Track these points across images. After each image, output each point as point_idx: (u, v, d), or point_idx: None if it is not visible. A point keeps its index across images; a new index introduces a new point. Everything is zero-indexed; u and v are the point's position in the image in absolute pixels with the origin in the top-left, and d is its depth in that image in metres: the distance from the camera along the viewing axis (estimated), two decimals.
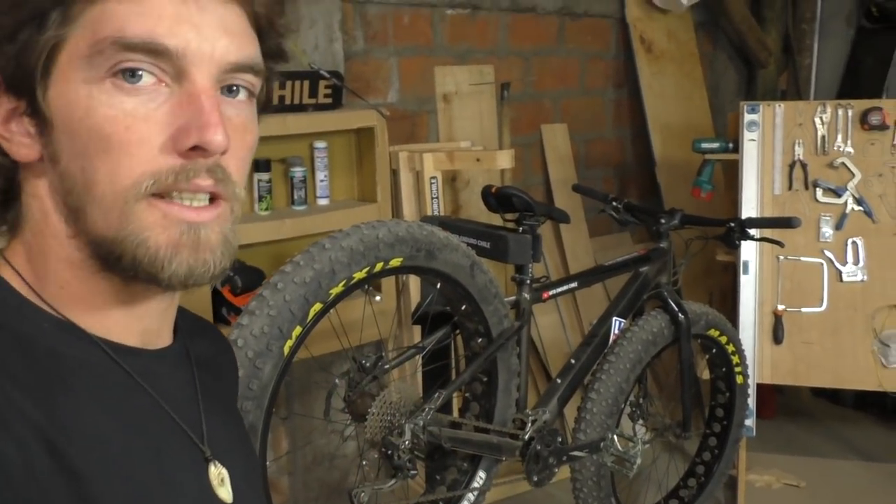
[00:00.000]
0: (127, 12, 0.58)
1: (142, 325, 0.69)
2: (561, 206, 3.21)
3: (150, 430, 0.67)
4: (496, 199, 1.80)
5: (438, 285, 1.63)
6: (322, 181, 2.50)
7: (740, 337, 2.51)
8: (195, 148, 0.60)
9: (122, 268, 0.62)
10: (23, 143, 0.62)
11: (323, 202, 2.51)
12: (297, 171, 2.42)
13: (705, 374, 2.44)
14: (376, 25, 2.72)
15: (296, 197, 2.42)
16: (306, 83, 2.36)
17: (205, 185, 0.62)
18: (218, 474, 0.73)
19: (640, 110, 3.41)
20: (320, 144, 2.47)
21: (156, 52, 0.59)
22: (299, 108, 2.35)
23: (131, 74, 0.59)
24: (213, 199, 0.64)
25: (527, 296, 1.81)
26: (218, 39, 0.62)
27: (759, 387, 2.76)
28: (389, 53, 2.78)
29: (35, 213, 0.65)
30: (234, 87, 0.65)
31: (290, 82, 2.29)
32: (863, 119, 2.49)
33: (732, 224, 2.01)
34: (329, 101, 2.47)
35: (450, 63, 2.93)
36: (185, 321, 0.78)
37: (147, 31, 0.58)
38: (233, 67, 0.63)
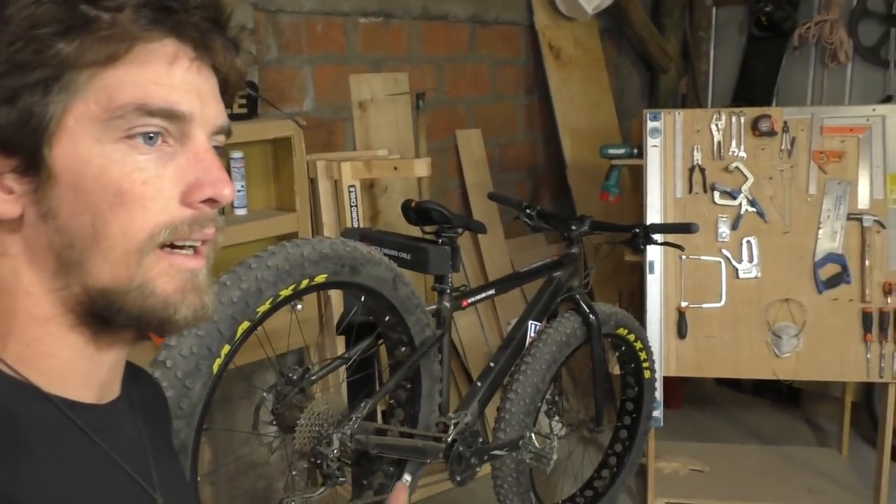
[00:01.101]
0: (144, 81, 0.63)
1: (100, 378, 0.71)
2: (477, 209, 3.30)
3: (104, 485, 0.68)
4: (416, 212, 1.86)
5: (363, 298, 1.68)
6: (239, 191, 2.50)
7: (648, 333, 2.65)
8: (206, 200, 0.66)
9: (120, 317, 0.65)
10: (6, 200, 0.63)
11: (240, 212, 2.51)
12: None
13: (616, 370, 2.57)
14: (289, 34, 2.74)
15: (228, 203, 2.42)
16: None
17: (210, 233, 0.68)
18: None
19: (551, 115, 3.53)
20: (236, 154, 2.47)
21: (172, 116, 0.64)
22: None
23: (149, 137, 0.64)
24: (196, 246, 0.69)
25: (447, 304, 1.88)
26: (212, 105, 0.68)
27: (667, 379, 2.92)
28: (303, 62, 2.79)
29: (5, 272, 0.65)
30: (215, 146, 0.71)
31: None
32: (754, 126, 2.66)
33: (637, 230, 2.13)
34: (244, 111, 2.47)
35: (364, 71, 2.97)
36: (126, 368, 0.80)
37: (166, 99, 0.63)
38: (218, 130, 0.70)
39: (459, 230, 1.86)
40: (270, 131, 2.50)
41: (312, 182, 2.69)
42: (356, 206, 2.66)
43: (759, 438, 3.35)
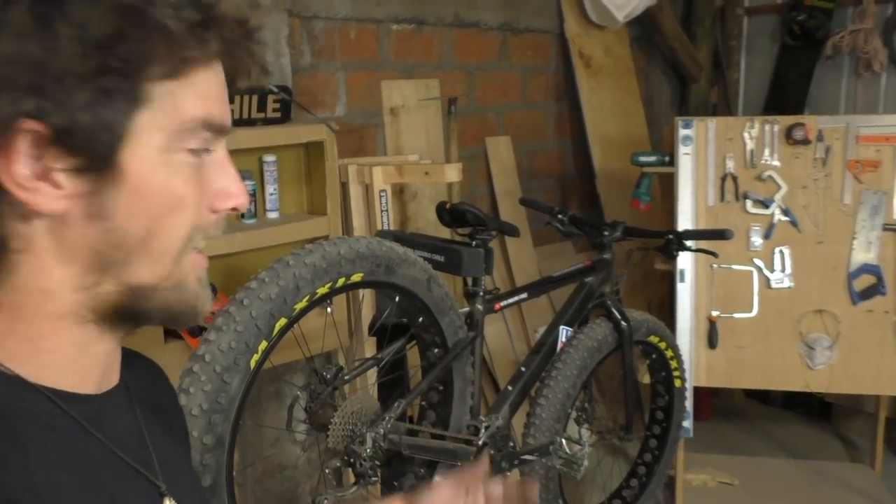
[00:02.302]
0: (207, 96, 0.66)
1: (99, 369, 0.71)
2: (506, 216, 3.30)
3: (103, 475, 0.67)
4: (450, 214, 1.86)
5: (397, 299, 1.68)
6: (272, 195, 2.52)
7: (678, 342, 2.63)
8: (232, 209, 0.71)
9: (146, 315, 0.69)
10: (52, 195, 0.61)
11: (273, 215, 2.53)
12: (247, 185, 2.42)
13: (646, 379, 2.55)
14: (323, 40, 2.76)
15: (245, 211, 2.44)
16: (255, 98, 2.39)
17: (218, 234, 0.72)
18: None
19: (580, 123, 3.53)
20: (269, 158, 2.49)
21: (223, 132, 0.69)
22: (248, 122, 2.37)
23: (206, 151, 0.68)
24: None
25: (480, 307, 1.88)
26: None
27: (695, 389, 2.89)
28: (336, 68, 2.82)
29: (23, 268, 0.64)
30: None
31: (239, 97, 2.31)
32: (788, 134, 2.64)
33: (671, 236, 2.12)
34: (278, 115, 2.49)
35: (396, 77, 2.99)
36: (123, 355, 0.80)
37: (221, 117, 0.68)
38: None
39: (493, 233, 1.86)
40: (303, 135, 2.52)
41: (344, 186, 2.71)
42: (387, 210, 2.67)
43: (789, 453, 3.30)
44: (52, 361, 0.66)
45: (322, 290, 1.48)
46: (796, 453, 3.28)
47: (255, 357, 1.39)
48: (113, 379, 0.74)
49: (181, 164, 0.65)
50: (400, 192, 3.00)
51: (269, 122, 2.44)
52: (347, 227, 2.73)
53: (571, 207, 3.71)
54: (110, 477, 0.68)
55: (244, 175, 2.43)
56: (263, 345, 1.40)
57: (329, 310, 2.53)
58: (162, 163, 0.64)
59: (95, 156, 0.61)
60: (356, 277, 1.53)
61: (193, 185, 0.66)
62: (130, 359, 0.81)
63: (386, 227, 2.65)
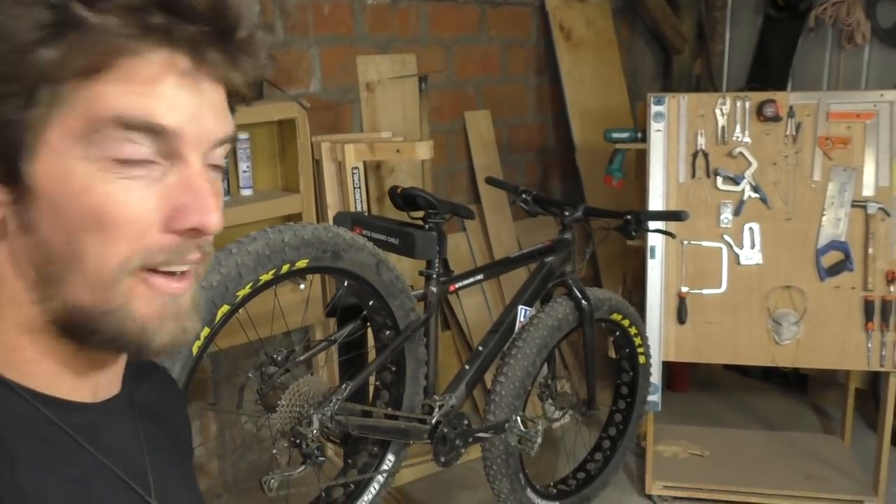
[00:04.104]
0: (125, 93, 0.58)
1: (91, 382, 0.69)
2: (485, 191, 3.32)
3: (92, 486, 0.66)
4: (402, 198, 1.88)
5: (346, 283, 1.71)
6: (245, 172, 2.55)
7: (647, 318, 2.67)
8: (190, 228, 0.62)
9: (94, 339, 0.63)
10: None
11: (246, 192, 2.56)
12: None
13: (612, 354, 2.58)
14: (296, 15, 2.76)
15: (214, 232, 2.46)
16: None
17: (194, 259, 0.65)
18: None
19: (561, 96, 3.52)
20: (242, 136, 2.51)
21: (153, 131, 0.59)
22: None
23: (150, 164, 0.61)
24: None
25: (434, 289, 1.91)
26: (208, 119, 0.63)
27: (673, 363, 2.93)
28: (310, 43, 2.82)
29: None
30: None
31: None
32: (759, 111, 2.63)
33: (629, 216, 2.13)
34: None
35: (372, 52, 2.98)
36: (130, 364, 0.76)
37: (146, 112, 0.59)
38: (217, 144, 0.65)
39: (446, 216, 1.88)
40: (275, 113, 2.53)
41: (317, 163, 2.73)
42: (360, 187, 2.69)
43: (764, 424, 3.34)
44: (39, 371, 0.64)
45: (266, 277, 1.51)
46: (771, 424, 3.33)
47: (197, 343, 1.43)
48: (113, 388, 0.72)
49: (105, 176, 0.59)
50: (377, 168, 3.02)
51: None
52: (321, 205, 2.76)
53: (552, 182, 3.72)
54: (99, 488, 0.66)
55: None
56: (206, 331, 1.44)
57: (302, 286, 2.59)
58: (80, 173, 0.59)
59: (4, 165, 0.59)
60: (301, 264, 1.56)
61: (134, 202, 0.60)
62: (143, 368, 0.78)
63: (359, 205, 2.68)
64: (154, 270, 0.62)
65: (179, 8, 0.58)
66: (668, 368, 3.35)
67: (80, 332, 0.63)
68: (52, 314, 0.63)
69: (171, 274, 0.63)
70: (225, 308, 1.46)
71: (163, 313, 0.63)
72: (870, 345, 2.59)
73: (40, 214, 0.60)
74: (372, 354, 1.94)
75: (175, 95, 0.60)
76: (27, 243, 0.61)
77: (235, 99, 0.68)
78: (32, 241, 0.61)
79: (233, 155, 2.51)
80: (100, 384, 0.70)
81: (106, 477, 0.67)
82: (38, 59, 0.56)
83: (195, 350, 1.42)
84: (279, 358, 1.67)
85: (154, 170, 0.61)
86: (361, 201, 2.71)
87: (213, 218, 0.62)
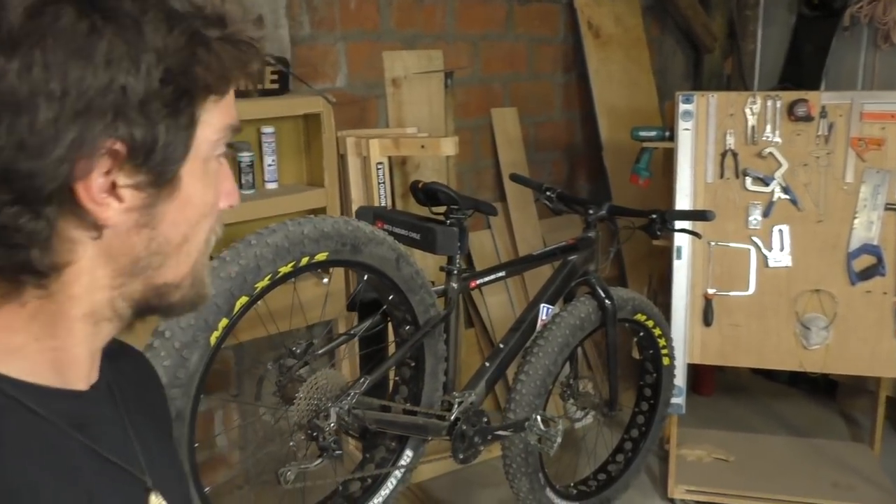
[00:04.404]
0: (230, 106, 0.70)
1: (89, 366, 0.71)
2: (510, 189, 3.30)
3: (83, 473, 0.67)
4: (424, 193, 1.87)
5: (365, 276, 1.70)
6: (270, 166, 2.55)
7: (673, 319, 2.63)
8: (230, 206, 0.75)
9: (169, 307, 0.73)
10: (116, 209, 0.64)
11: (271, 186, 2.57)
12: (245, 157, 2.47)
13: (636, 355, 2.55)
14: (323, 11, 2.76)
15: (244, 181, 2.47)
16: None
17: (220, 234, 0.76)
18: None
19: (589, 94, 3.48)
20: (268, 130, 2.52)
21: (237, 131, 0.72)
22: (245, 93, 2.38)
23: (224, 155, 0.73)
24: None
25: (454, 285, 1.89)
26: None
27: (699, 365, 2.88)
28: (336, 39, 2.82)
29: (62, 277, 0.65)
30: None
31: None
32: (790, 110, 2.58)
33: (654, 216, 2.10)
34: (276, 86, 2.51)
35: (398, 48, 2.98)
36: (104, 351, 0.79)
37: (237, 117, 0.71)
38: None
39: (469, 211, 1.87)
40: (300, 107, 2.54)
41: (342, 158, 2.73)
42: (384, 182, 2.68)
43: (790, 430, 3.28)
44: (44, 359, 0.66)
45: (285, 269, 1.51)
46: (797, 430, 3.27)
47: (216, 334, 1.43)
48: (94, 376, 0.74)
49: (213, 172, 0.70)
50: (402, 163, 3.01)
51: (266, 93, 2.47)
52: (346, 199, 2.76)
53: (579, 180, 3.69)
54: (90, 474, 0.67)
55: (241, 146, 2.47)
56: (224, 322, 1.44)
57: (325, 280, 2.59)
58: (203, 173, 0.69)
59: (164, 172, 0.65)
60: (321, 256, 1.56)
61: (215, 189, 0.71)
62: (113, 350, 0.80)
63: (383, 200, 2.68)
64: None
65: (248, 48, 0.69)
66: (694, 371, 3.30)
67: (153, 304, 0.71)
68: (123, 297, 0.68)
69: None
70: (243, 299, 1.46)
71: (206, 268, 0.75)
72: None
73: (167, 212, 0.67)
74: (392, 349, 1.93)
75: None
76: (139, 238, 0.66)
77: None
78: (148, 235, 0.66)
79: (258, 149, 2.52)
80: (85, 372, 0.72)
81: (96, 463, 0.69)
82: (195, 76, 0.65)
83: (213, 340, 1.42)
84: (298, 350, 1.67)
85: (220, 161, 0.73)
86: (386, 196, 2.70)
87: (239, 198, 0.75)
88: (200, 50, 0.63)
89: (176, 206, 0.67)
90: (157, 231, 0.66)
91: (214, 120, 0.67)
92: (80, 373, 0.70)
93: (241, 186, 2.47)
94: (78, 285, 0.65)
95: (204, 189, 0.69)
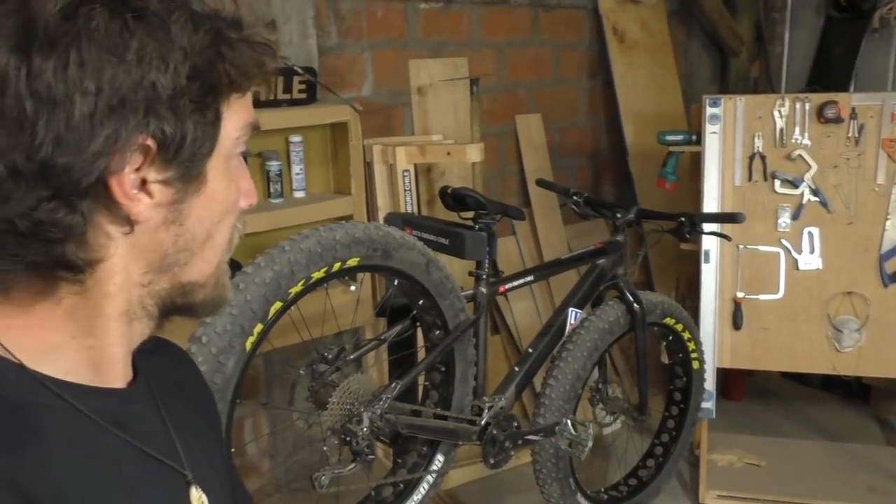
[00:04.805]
0: (248, 108, 0.72)
1: (124, 364, 0.72)
2: (535, 195, 3.30)
3: (124, 468, 0.68)
4: (452, 198, 1.88)
5: (396, 282, 1.72)
6: (298, 174, 2.58)
7: (702, 323, 2.62)
8: (249, 206, 0.76)
9: (193, 307, 0.74)
10: (146, 204, 0.65)
11: (299, 195, 2.60)
12: (273, 165, 2.49)
13: (665, 360, 2.54)
14: (350, 20, 2.79)
15: (272, 190, 2.50)
16: (280, 79, 2.43)
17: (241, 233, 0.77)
18: (199, 498, 0.75)
19: (614, 99, 3.48)
20: (296, 139, 2.55)
21: (256, 129, 0.74)
22: (274, 103, 2.42)
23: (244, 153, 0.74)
24: None
25: (483, 290, 1.90)
26: None
27: (729, 370, 2.86)
28: (363, 48, 2.84)
29: (95, 274, 0.66)
30: None
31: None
32: (819, 112, 2.57)
33: (683, 218, 2.10)
34: (303, 96, 2.54)
35: (424, 56, 3.00)
36: (139, 349, 0.79)
37: (256, 116, 0.73)
38: None
39: (497, 216, 1.88)
40: (328, 116, 2.56)
41: (369, 166, 2.75)
42: (410, 190, 2.70)
43: (823, 435, 3.25)
44: (82, 358, 0.67)
45: (317, 275, 1.53)
46: (830, 435, 3.23)
47: (251, 339, 1.45)
48: (128, 374, 0.75)
49: (235, 169, 0.72)
50: (428, 171, 3.03)
51: (294, 102, 2.50)
52: (372, 207, 2.78)
53: (604, 185, 3.69)
54: (131, 470, 0.69)
55: (270, 155, 2.51)
56: (259, 327, 1.46)
57: (353, 287, 2.61)
58: (226, 170, 0.71)
59: (191, 168, 0.67)
60: (352, 262, 1.58)
61: (236, 186, 0.73)
62: (152, 346, 0.80)
63: (409, 207, 2.69)
64: None
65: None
66: (723, 376, 3.28)
67: (177, 307, 0.72)
68: (152, 296, 0.70)
69: None
70: (278, 304, 1.48)
71: (227, 271, 0.76)
72: None
73: (192, 208, 0.68)
74: (421, 355, 1.95)
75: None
76: (166, 234, 0.68)
77: None
78: (175, 231, 0.68)
79: (286, 158, 2.55)
80: (120, 370, 0.73)
81: (136, 458, 0.70)
82: (218, 75, 0.67)
83: (248, 346, 1.45)
84: (330, 356, 1.69)
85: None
86: (412, 204, 2.72)
87: (256, 198, 0.76)
88: (224, 48, 0.65)
89: (202, 203, 0.68)
90: (183, 227, 0.68)
91: (236, 117, 0.70)
92: (117, 371, 0.71)
93: (269, 195, 2.50)
94: (111, 283, 0.66)
95: (227, 186, 0.71)
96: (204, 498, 0.76)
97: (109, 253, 0.65)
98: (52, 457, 0.63)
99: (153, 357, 0.81)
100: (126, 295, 0.68)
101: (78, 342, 0.67)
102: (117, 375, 0.71)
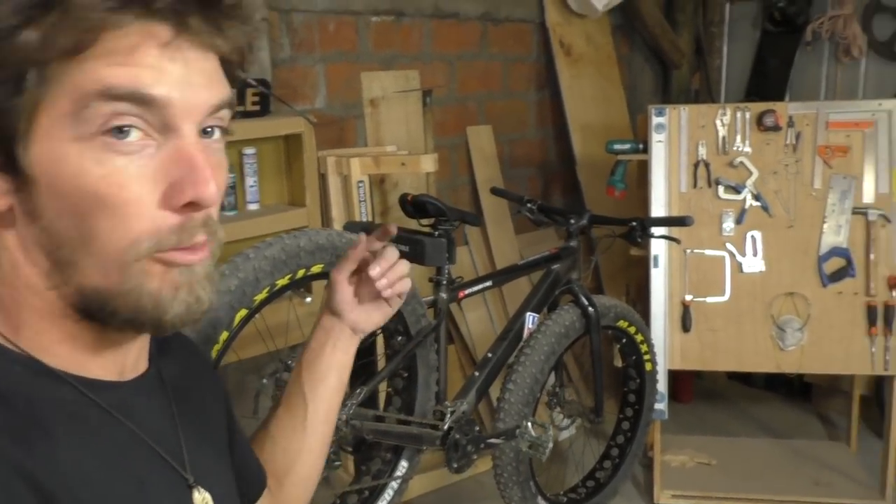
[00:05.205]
0: (110, 64, 0.58)
1: (119, 361, 0.70)
2: (487, 205, 3.35)
3: (131, 462, 0.67)
4: (412, 206, 1.91)
5: None
6: (251, 186, 2.58)
7: (652, 326, 2.69)
8: (189, 203, 0.61)
9: (114, 318, 0.64)
10: None
11: (253, 207, 2.59)
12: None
13: (619, 363, 2.60)
14: (302, 33, 2.81)
15: (225, 203, 2.49)
16: (233, 91, 2.43)
17: (202, 240, 0.64)
18: (202, 500, 0.73)
19: (562, 111, 3.56)
20: (249, 151, 2.54)
21: (142, 101, 0.59)
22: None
23: (119, 131, 0.59)
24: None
25: (444, 295, 1.93)
26: (201, 89, 0.62)
27: (678, 373, 2.94)
28: (316, 60, 2.86)
29: (3, 265, 0.63)
30: (209, 129, 0.66)
31: None
32: (759, 121, 2.67)
33: (634, 223, 2.17)
34: (257, 108, 2.55)
35: (376, 69, 3.03)
36: (154, 340, 0.77)
37: (132, 81, 0.58)
38: (213, 110, 0.64)
39: (455, 223, 1.91)
40: (282, 128, 2.57)
41: (323, 178, 2.76)
42: (365, 200, 2.72)
43: (769, 432, 3.36)
44: (68, 353, 0.65)
45: (282, 282, 1.54)
46: (776, 433, 3.34)
47: (217, 347, 1.45)
48: (140, 367, 0.73)
49: (100, 156, 0.59)
50: (381, 182, 3.05)
51: (248, 115, 2.49)
52: (327, 218, 2.79)
53: (554, 195, 3.76)
54: (139, 463, 0.68)
55: None
56: (224, 335, 1.46)
57: (308, 299, 2.61)
58: (75, 154, 0.59)
59: (4, 153, 0.59)
60: (316, 268, 1.59)
61: (132, 182, 0.60)
62: (165, 341, 0.78)
63: (364, 218, 2.71)
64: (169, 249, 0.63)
65: None
66: (673, 379, 3.36)
67: (100, 314, 0.63)
68: (69, 299, 0.63)
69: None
70: (243, 312, 1.48)
71: (177, 283, 0.63)
72: (873, 349, 2.61)
73: (43, 200, 0.60)
74: (381, 363, 1.96)
75: (159, 65, 0.60)
76: (35, 230, 0.61)
77: (229, 65, 0.67)
78: (40, 227, 0.61)
79: (239, 170, 2.54)
80: (127, 363, 0.70)
81: (142, 452, 0.69)
82: (22, 42, 0.56)
83: (214, 353, 1.44)
84: (293, 364, 1.69)
85: (149, 146, 0.61)
86: (367, 214, 2.73)
87: (208, 189, 0.61)
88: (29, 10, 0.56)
89: (47, 195, 0.60)
90: (44, 221, 0.61)
91: (73, 87, 0.58)
92: (115, 365, 0.69)
93: (222, 208, 2.48)
94: (23, 276, 0.63)
95: (81, 178, 0.59)
96: (208, 498, 0.74)
97: (4, 242, 0.63)
98: (61, 447, 0.62)
99: (169, 354, 0.79)
100: (45, 293, 0.63)
101: (45, 336, 0.65)
102: (106, 369, 0.68)
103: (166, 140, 0.61)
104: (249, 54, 0.69)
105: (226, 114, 0.67)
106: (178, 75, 0.61)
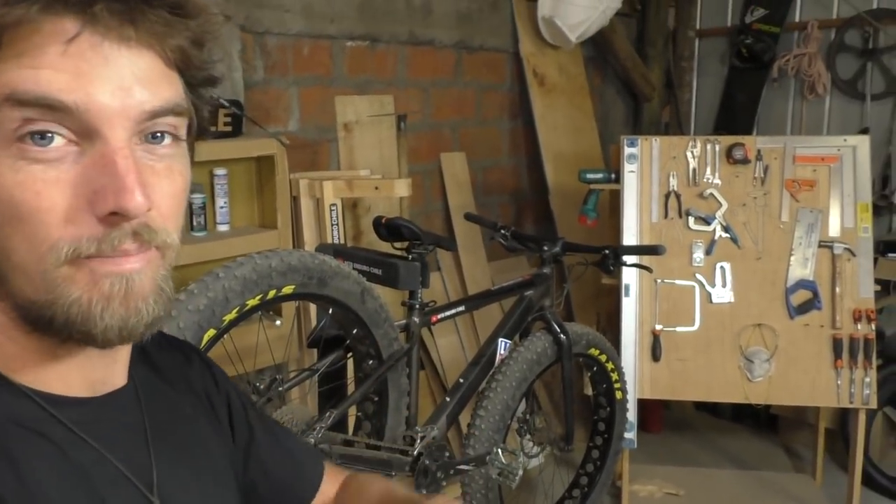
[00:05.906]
0: (18, 67, 0.54)
1: (86, 376, 0.66)
2: (460, 231, 3.35)
3: (95, 482, 0.64)
4: (386, 229, 1.90)
5: (330, 310, 1.71)
6: (222, 208, 2.55)
7: (622, 355, 2.69)
8: (114, 213, 0.57)
9: (55, 329, 0.60)
10: None
11: (223, 228, 2.56)
12: (197, 198, 2.45)
13: (589, 391, 2.60)
14: (276, 56, 2.80)
15: (195, 223, 2.46)
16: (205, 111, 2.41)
17: (131, 248, 0.59)
18: None
19: (535, 139, 3.59)
20: (220, 171, 2.52)
21: (52, 107, 0.55)
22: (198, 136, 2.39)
23: (41, 137, 0.56)
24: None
25: (416, 319, 1.92)
26: (129, 90, 0.57)
27: (647, 402, 2.94)
28: (289, 83, 2.85)
29: None
30: (158, 134, 0.61)
31: None
32: (728, 153, 2.72)
33: (607, 251, 2.18)
34: (229, 129, 2.53)
35: (350, 93, 3.03)
36: (144, 352, 0.74)
37: (41, 87, 0.54)
38: (150, 115, 0.59)
39: (430, 247, 1.90)
40: (254, 149, 2.55)
41: (295, 200, 2.74)
42: (337, 224, 2.70)
43: (736, 464, 3.37)
44: (27, 367, 0.62)
45: (252, 302, 1.51)
46: (743, 464, 3.35)
47: None
48: (118, 381, 0.70)
49: (14, 163, 0.56)
50: (353, 206, 3.04)
51: (220, 135, 2.47)
52: (298, 241, 2.76)
53: (526, 222, 3.77)
54: (102, 482, 0.64)
55: (193, 188, 2.46)
56: None
57: (278, 322, 2.57)
58: None
59: None
60: (287, 289, 1.57)
61: (49, 189, 0.56)
62: (146, 352, 0.74)
63: (336, 241, 2.69)
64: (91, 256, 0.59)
65: None
66: (642, 408, 3.36)
67: (42, 326, 0.60)
68: (11, 313, 0.60)
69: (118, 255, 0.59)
70: (211, 332, 1.45)
71: (109, 294, 0.59)
72: (839, 382, 2.64)
73: None
74: (352, 387, 1.93)
75: (77, 67, 0.55)
76: None
77: (186, 68, 0.63)
78: None
79: (210, 190, 2.51)
80: (95, 378, 0.67)
81: (108, 471, 0.65)
82: None
83: None
84: (262, 387, 1.66)
85: (69, 152, 0.57)
86: (339, 238, 2.72)
87: (129, 199, 0.56)
88: None
89: None
90: None
91: None
92: (79, 380, 0.66)
93: (192, 228, 2.46)
94: None
95: None
96: None
97: None
98: (23, 468, 0.59)
99: (155, 361, 0.76)
100: None
101: (2, 352, 0.62)
102: (71, 385, 0.65)
103: (92, 146, 0.57)
104: (200, 53, 0.63)
105: (174, 120, 0.62)
106: (99, 78, 0.56)
